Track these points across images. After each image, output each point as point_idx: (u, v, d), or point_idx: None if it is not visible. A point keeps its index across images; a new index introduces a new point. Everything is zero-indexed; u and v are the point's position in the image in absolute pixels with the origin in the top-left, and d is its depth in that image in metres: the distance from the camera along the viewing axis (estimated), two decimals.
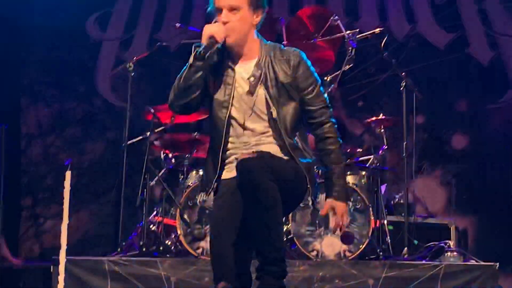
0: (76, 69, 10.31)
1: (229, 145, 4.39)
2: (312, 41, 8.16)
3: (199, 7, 10.27)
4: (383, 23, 9.83)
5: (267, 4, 4.45)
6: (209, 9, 4.39)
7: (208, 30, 4.22)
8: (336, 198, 4.39)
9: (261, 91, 4.32)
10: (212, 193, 4.46)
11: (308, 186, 4.37)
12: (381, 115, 8.26)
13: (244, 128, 4.36)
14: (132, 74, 7.94)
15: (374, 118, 8.29)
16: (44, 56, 10.25)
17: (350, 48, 7.71)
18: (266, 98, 4.31)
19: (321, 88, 4.44)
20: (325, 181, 4.47)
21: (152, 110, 7.99)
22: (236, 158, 4.28)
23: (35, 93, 10.34)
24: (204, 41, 4.21)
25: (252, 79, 4.33)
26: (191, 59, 4.26)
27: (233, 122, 4.36)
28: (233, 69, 4.37)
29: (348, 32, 7.81)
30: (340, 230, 4.46)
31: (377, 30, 7.87)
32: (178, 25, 8.40)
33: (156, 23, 10.46)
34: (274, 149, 4.33)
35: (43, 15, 10.17)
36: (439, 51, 10.03)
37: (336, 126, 4.47)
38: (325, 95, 4.46)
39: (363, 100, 9.89)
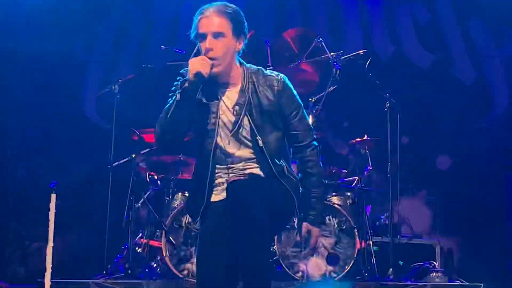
0: (62, 91, 10.29)
1: (216, 171, 4.38)
2: (297, 62, 8.20)
3: (185, 29, 10.30)
4: (368, 45, 9.90)
5: (248, 31, 4.41)
6: (192, 35, 4.35)
7: (194, 66, 4.15)
8: (311, 223, 4.44)
9: (245, 119, 4.32)
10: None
11: (295, 206, 4.39)
12: (366, 136, 8.31)
13: (231, 156, 4.36)
14: (118, 96, 7.96)
15: (358, 139, 8.34)
16: (31, 78, 10.23)
17: (334, 69, 7.75)
18: (251, 126, 4.31)
19: (304, 112, 4.47)
20: (303, 203, 4.46)
21: (138, 132, 8.00)
22: (223, 183, 4.31)
23: (21, 115, 10.32)
24: (191, 77, 4.14)
25: (237, 108, 4.32)
26: (178, 96, 4.18)
27: (219, 150, 4.35)
28: (218, 98, 4.35)
29: (332, 53, 7.86)
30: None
31: (361, 51, 7.91)
32: (163, 47, 8.43)
33: (142, 45, 10.48)
34: (261, 173, 4.34)
35: (30, 38, 10.16)
36: (423, 71, 10.10)
37: (318, 149, 4.49)
38: (308, 118, 4.51)
39: (348, 121, 9.94)
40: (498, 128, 9.92)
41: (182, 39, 10.23)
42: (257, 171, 4.33)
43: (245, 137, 4.34)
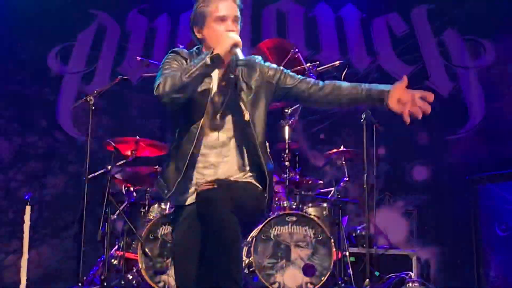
0: (37, 103, 10.24)
1: (202, 149, 4.35)
2: None
3: (161, 41, 10.32)
4: (344, 56, 9.94)
5: None
6: (202, 15, 4.40)
7: (234, 38, 4.20)
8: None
9: (234, 97, 4.36)
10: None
11: (266, 195, 4.38)
12: (342, 147, 8.32)
13: (216, 132, 4.36)
14: (93, 107, 7.91)
15: (335, 150, 8.35)
16: (5, 89, 10.18)
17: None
18: (238, 102, 4.35)
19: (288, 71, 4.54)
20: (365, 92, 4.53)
21: (113, 143, 7.97)
22: (204, 166, 4.32)
23: None
24: (228, 48, 4.15)
25: (224, 83, 4.38)
26: (207, 60, 4.12)
27: (206, 125, 4.34)
28: (210, 76, 4.34)
29: (308, 64, 7.87)
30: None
31: (337, 62, 7.93)
32: (139, 58, 8.41)
33: (118, 56, 10.47)
34: (238, 163, 4.37)
35: (4, 48, 10.12)
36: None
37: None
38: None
39: (324, 133, 9.95)
40: (473, 139, 9.97)
41: (157, 50, 10.23)
42: (233, 161, 4.36)
43: (232, 114, 4.37)
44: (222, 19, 4.34)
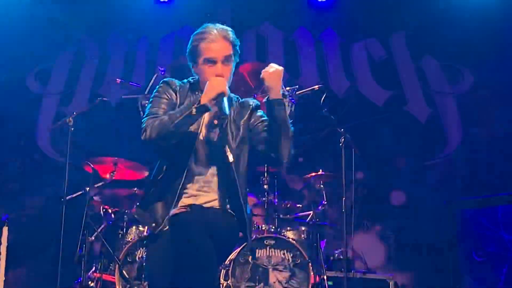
0: (15, 123, 10.21)
1: (187, 182, 4.33)
2: (252, 96, 8.22)
3: (141, 63, 10.33)
4: (323, 80, 9.98)
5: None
6: (192, 58, 4.39)
7: (219, 86, 4.21)
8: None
9: (221, 135, 4.36)
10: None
11: (248, 235, 4.38)
12: (321, 171, 8.35)
13: (202, 168, 4.34)
14: (72, 128, 7.89)
15: (313, 174, 8.37)
16: None
17: (289, 104, 7.77)
18: (224, 144, 4.34)
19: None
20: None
21: (92, 165, 7.95)
22: (188, 196, 4.30)
23: None
24: (213, 96, 4.17)
25: (216, 121, 4.37)
26: (194, 110, 4.15)
27: (193, 166, 4.33)
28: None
29: (287, 88, 7.87)
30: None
31: (316, 86, 7.94)
32: (118, 80, 8.41)
33: (97, 78, 10.46)
34: (219, 198, 4.34)
35: None
36: (378, 108, 10.19)
37: None
38: None
39: (303, 156, 9.97)
40: (451, 164, 10.03)
41: (137, 72, 10.24)
42: (212, 196, 4.33)
43: (216, 154, 4.35)
44: (211, 60, 4.32)
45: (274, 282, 7.36)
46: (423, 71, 10.35)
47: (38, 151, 10.26)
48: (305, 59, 10.48)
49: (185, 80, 4.51)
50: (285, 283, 7.37)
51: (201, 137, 4.34)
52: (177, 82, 4.46)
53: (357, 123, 9.77)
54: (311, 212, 8.30)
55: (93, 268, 8.09)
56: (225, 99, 4.20)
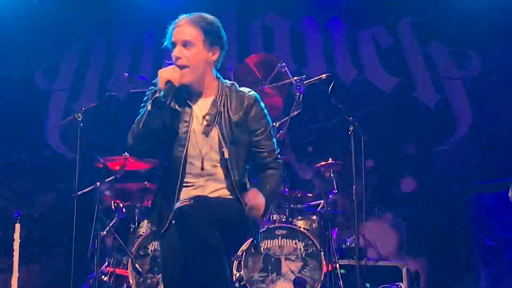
0: (25, 120, 10.24)
1: (185, 180, 4.35)
2: (260, 87, 8.22)
3: (148, 57, 10.33)
4: (331, 69, 9.97)
5: (226, 43, 4.43)
6: (165, 44, 4.38)
7: (164, 74, 4.19)
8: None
9: (215, 130, 4.31)
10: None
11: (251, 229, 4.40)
12: (330, 159, 8.34)
13: (200, 167, 4.34)
14: (82, 124, 7.91)
15: (323, 163, 8.37)
16: None
17: (297, 94, 7.78)
18: (219, 138, 4.31)
19: (272, 132, 4.45)
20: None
21: (102, 160, 7.97)
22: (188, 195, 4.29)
23: None
24: (162, 86, 4.17)
25: (207, 117, 4.33)
26: (149, 106, 4.18)
27: (189, 159, 4.33)
28: (190, 106, 4.36)
29: (295, 78, 7.89)
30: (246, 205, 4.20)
31: (324, 75, 7.94)
32: (126, 74, 8.43)
33: (105, 72, 10.48)
34: (220, 189, 4.34)
35: None
36: (386, 95, 10.18)
37: (282, 166, 4.47)
38: (274, 139, 4.47)
39: (312, 145, 9.97)
40: (461, 149, 10.01)
41: (145, 66, 10.25)
42: (216, 186, 4.34)
43: (213, 149, 4.33)
44: (173, 44, 4.32)
45: (287, 272, 7.38)
46: (431, 56, 10.32)
47: (48, 147, 10.29)
48: (312, 49, 10.46)
49: None
50: (298, 272, 7.38)
51: (193, 132, 4.32)
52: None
53: (366, 111, 9.77)
54: (322, 201, 8.30)
55: (106, 263, 8.12)
56: (170, 85, 4.19)
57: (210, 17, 4.39)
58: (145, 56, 10.39)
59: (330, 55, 10.42)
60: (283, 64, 8.11)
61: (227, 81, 4.48)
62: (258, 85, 8.33)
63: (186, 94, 4.37)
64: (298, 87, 7.78)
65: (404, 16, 10.44)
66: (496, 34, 9.98)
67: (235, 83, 4.50)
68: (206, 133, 4.32)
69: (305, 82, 7.87)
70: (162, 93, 4.17)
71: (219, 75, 4.46)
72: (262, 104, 4.45)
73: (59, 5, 10.25)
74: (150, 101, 4.18)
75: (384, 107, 10.10)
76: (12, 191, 10.10)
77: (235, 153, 4.31)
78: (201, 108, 4.36)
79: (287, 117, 7.83)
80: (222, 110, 4.32)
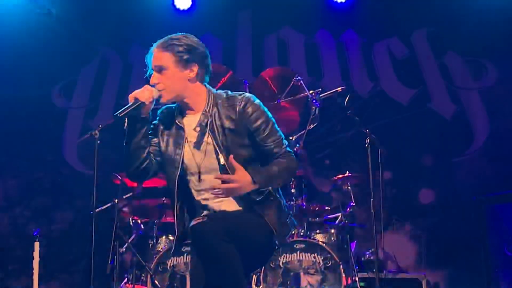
0: (43, 138, 10.29)
1: (195, 199, 4.44)
2: (276, 102, 8.23)
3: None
4: (346, 82, 9.98)
5: (205, 56, 4.45)
6: (147, 73, 4.48)
7: (133, 93, 4.31)
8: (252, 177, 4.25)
9: (209, 140, 4.35)
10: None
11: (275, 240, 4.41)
12: (347, 172, 8.33)
13: (200, 180, 4.40)
14: (99, 141, 7.93)
15: (340, 176, 8.36)
16: (10, 126, 10.21)
17: (313, 107, 7.78)
18: (213, 146, 4.34)
19: (275, 127, 4.42)
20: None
21: (120, 177, 7.99)
22: (202, 207, 4.41)
23: (2, 164, 10.29)
24: (130, 101, 4.29)
25: (198, 128, 4.37)
26: (125, 126, 4.36)
27: (188, 177, 4.43)
28: (182, 126, 4.42)
29: (311, 91, 7.88)
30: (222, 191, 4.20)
31: (340, 88, 7.92)
32: None
33: (121, 89, 10.51)
34: (233, 202, 4.38)
35: (8, 85, 10.18)
36: (403, 107, 10.17)
37: (292, 157, 4.42)
38: (280, 133, 4.44)
39: (329, 158, 9.97)
40: (478, 160, 9.98)
41: None
42: (229, 200, 4.36)
43: (209, 158, 4.37)
44: (151, 72, 4.44)
45: (306, 286, 7.36)
46: (447, 67, 10.30)
47: (66, 165, 10.33)
48: (327, 61, 10.47)
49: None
50: (317, 286, 7.36)
51: (188, 148, 4.40)
52: (160, 113, 4.59)
53: (382, 123, 9.76)
54: (340, 214, 8.28)
55: (125, 279, 8.12)
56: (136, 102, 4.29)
57: (180, 36, 4.43)
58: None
59: (345, 68, 10.42)
60: (299, 77, 8.11)
61: (220, 91, 4.50)
62: (274, 99, 8.34)
63: (177, 115, 4.46)
64: (314, 101, 7.78)
65: (419, 27, 10.43)
66: (510, 43, 9.95)
67: (228, 91, 4.51)
68: (199, 144, 4.37)
69: (321, 96, 7.86)
70: (131, 108, 4.27)
71: (209, 87, 4.49)
72: (258, 101, 4.41)
73: (75, 23, 10.32)
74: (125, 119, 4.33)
75: (401, 119, 10.09)
76: (31, 209, 10.14)
77: (237, 158, 4.26)
78: (191, 123, 4.43)
79: (303, 131, 7.81)
80: (214, 119, 4.35)
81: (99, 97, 10.61)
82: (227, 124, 4.33)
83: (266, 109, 4.42)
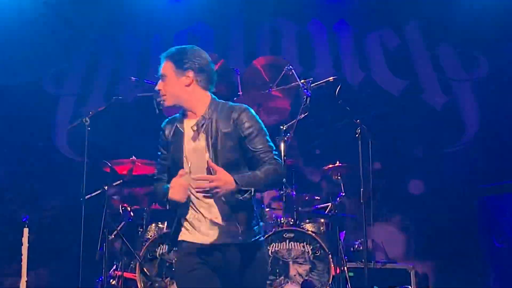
0: (33, 125, 10.26)
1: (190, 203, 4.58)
2: (267, 90, 8.23)
3: (155, 61, 10.31)
4: (338, 71, 9.96)
5: (204, 65, 4.66)
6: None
7: (173, 195, 4.42)
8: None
9: (202, 140, 4.55)
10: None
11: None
12: (338, 162, 8.33)
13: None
14: (89, 128, 7.92)
15: (331, 166, 8.36)
16: (1, 112, 10.18)
17: (304, 96, 7.78)
18: (205, 143, 4.54)
19: (266, 137, 4.59)
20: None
21: (110, 164, 7.98)
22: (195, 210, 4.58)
23: None
24: (170, 198, 4.43)
25: (194, 127, 4.57)
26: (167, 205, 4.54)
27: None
28: (182, 130, 4.64)
29: (302, 80, 7.88)
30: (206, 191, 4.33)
31: (331, 78, 7.93)
32: (133, 78, 8.44)
33: (113, 77, 10.49)
34: (215, 209, 4.57)
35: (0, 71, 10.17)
36: (394, 97, 10.17)
37: (279, 165, 4.56)
38: (271, 143, 4.59)
39: (320, 148, 9.96)
40: (469, 151, 9.98)
41: (152, 70, 10.24)
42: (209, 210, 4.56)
43: (199, 156, 4.54)
44: None
45: (295, 275, 7.38)
46: (438, 59, 10.30)
47: (57, 152, 10.31)
48: (319, 51, 10.46)
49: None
50: (306, 275, 7.37)
51: (186, 151, 4.61)
52: (166, 123, 4.79)
53: (373, 114, 9.75)
54: (330, 204, 8.30)
55: (114, 267, 8.13)
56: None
57: (178, 47, 4.76)
58: (152, 60, 10.39)
59: (337, 58, 10.41)
60: (291, 67, 8.12)
61: (222, 101, 4.72)
62: (265, 88, 8.34)
63: (179, 121, 4.69)
64: (305, 90, 7.78)
65: (412, 19, 10.43)
66: (503, 36, 9.97)
67: (229, 102, 4.73)
68: (193, 143, 4.59)
69: (312, 85, 7.87)
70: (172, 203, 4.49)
71: (213, 96, 4.72)
72: (253, 112, 4.64)
73: (67, 11, 10.30)
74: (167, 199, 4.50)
75: (392, 110, 10.08)
76: (21, 196, 10.12)
77: (224, 159, 4.48)
78: (190, 124, 4.64)
79: (294, 120, 7.83)
80: (211, 123, 4.56)
81: (91, 85, 10.58)
82: (221, 127, 4.54)
83: (260, 121, 4.63)
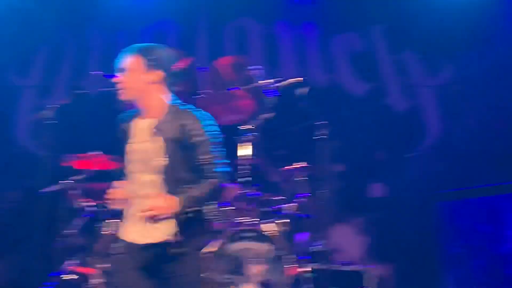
0: None
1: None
2: (231, 90, 8.22)
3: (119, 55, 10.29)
4: (303, 73, 9.99)
5: (168, 63, 4.72)
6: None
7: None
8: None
9: (153, 143, 4.56)
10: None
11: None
12: (300, 163, 8.34)
13: (138, 179, 4.63)
14: (50, 121, 7.86)
15: (292, 166, 8.36)
16: None
17: (269, 97, 7.78)
18: (157, 150, 4.54)
19: (212, 147, 4.61)
20: None
21: (70, 158, 7.92)
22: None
23: None
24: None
25: (147, 130, 4.60)
26: None
27: (132, 174, 4.67)
28: (134, 129, 4.69)
29: (267, 81, 7.89)
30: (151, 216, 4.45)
31: (296, 79, 7.94)
32: (94, 73, 8.40)
33: (77, 70, 10.43)
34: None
35: None
36: (357, 100, 10.21)
37: (221, 176, 4.61)
38: (216, 153, 4.63)
39: (282, 149, 9.96)
40: (430, 156, 10.05)
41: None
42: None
43: (146, 162, 4.59)
44: None
45: (253, 275, 7.36)
46: (402, 64, 10.37)
47: (18, 144, 10.22)
48: (285, 52, 10.48)
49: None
50: (264, 275, 7.36)
51: (135, 148, 4.67)
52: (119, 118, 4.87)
53: (336, 116, 9.77)
54: (290, 204, 8.29)
55: (71, 261, 8.07)
56: None
57: (152, 44, 4.86)
58: (117, 55, 10.34)
59: (302, 59, 10.44)
60: (255, 67, 8.12)
61: (179, 103, 4.72)
62: (229, 88, 8.33)
63: (133, 118, 4.74)
64: (270, 90, 7.78)
65: (377, 23, 10.49)
66: (467, 43, 10.05)
67: (186, 105, 4.73)
68: (141, 144, 4.63)
69: (276, 85, 7.86)
70: None
71: (173, 97, 4.73)
72: (204, 121, 4.63)
73: (32, 2, 10.21)
74: None
75: (355, 113, 10.12)
76: None
77: (172, 164, 4.54)
78: (144, 123, 4.66)
79: (257, 120, 7.82)
80: (164, 126, 4.58)
81: (55, 77, 10.50)
82: (170, 131, 4.55)
83: (213, 129, 4.66)
